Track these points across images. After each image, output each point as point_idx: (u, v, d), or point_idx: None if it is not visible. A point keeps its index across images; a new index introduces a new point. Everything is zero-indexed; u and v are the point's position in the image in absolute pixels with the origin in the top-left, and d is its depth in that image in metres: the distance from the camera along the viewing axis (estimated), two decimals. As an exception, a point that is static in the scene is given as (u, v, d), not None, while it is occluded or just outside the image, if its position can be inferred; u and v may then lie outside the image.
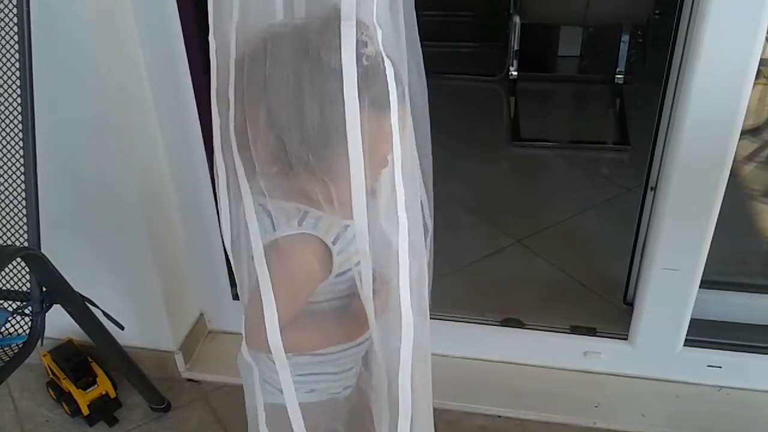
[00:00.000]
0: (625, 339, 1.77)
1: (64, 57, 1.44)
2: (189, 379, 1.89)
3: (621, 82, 3.02)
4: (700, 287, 1.64)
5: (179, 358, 1.86)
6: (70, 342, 1.83)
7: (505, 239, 2.27)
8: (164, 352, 1.86)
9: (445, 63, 3.12)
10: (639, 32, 3.07)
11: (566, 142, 2.78)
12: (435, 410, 1.03)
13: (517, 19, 2.93)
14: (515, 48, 3.01)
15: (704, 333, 1.72)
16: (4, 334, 1.45)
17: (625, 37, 2.96)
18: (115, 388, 1.80)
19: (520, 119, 2.89)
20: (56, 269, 1.39)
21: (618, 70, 3.01)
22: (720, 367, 1.74)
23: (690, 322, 1.69)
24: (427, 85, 0.94)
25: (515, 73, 3.07)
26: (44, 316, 1.43)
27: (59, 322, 1.50)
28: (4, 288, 1.46)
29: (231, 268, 1.90)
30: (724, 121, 1.43)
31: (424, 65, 0.93)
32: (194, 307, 1.95)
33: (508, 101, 3.04)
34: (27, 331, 1.44)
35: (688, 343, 1.72)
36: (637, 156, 2.60)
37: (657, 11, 2.81)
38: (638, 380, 1.79)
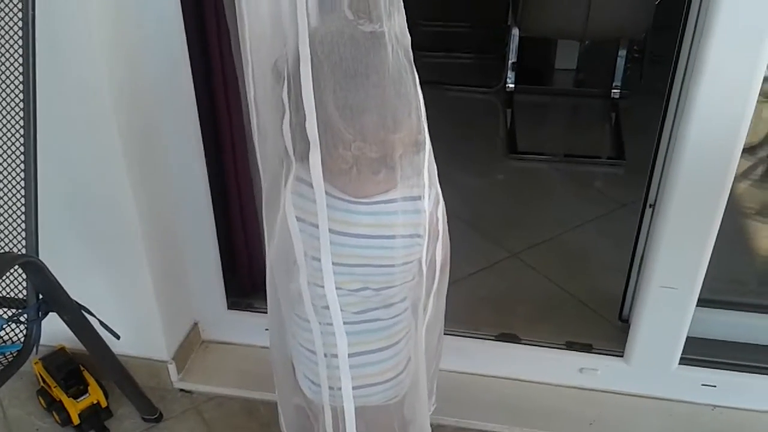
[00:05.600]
0: (621, 356, 1.77)
1: (66, 61, 1.44)
2: (182, 390, 1.88)
3: (617, 96, 3.04)
4: (696, 305, 1.64)
5: (172, 368, 1.85)
6: (62, 349, 1.81)
7: (500, 252, 2.27)
8: (157, 362, 1.84)
9: (442, 74, 3.13)
10: (635, 47, 3.08)
11: (562, 156, 2.79)
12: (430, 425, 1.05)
13: (515, 32, 2.94)
14: (512, 60, 3.02)
15: (700, 351, 1.73)
16: (-1, 342, 1.43)
17: (622, 52, 2.98)
18: (106, 397, 1.78)
19: (517, 132, 2.89)
20: (54, 277, 1.38)
21: (614, 84, 3.03)
22: (715, 386, 1.74)
23: (685, 340, 1.69)
24: (424, 96, 0.98)
25: (512, 85, 3.08)
26: (40, 324, 1.42)
27: (51, 329, 1.48)
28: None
29: (226, 277, 1.91)
30: (727, 140, 1.43)
31: (422, 76, 0.96)
32: (188, 316, 1.94)
33: (504, 113, 3.04)
34: (22, 339, 1.43)
35: (684, 361, 1.72)
36: (633, 171, 2.63)
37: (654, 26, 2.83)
38: (633, 398, 1.79)
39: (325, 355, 1.04)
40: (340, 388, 1.03)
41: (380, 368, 1.09)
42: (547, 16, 2.71)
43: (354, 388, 1.04)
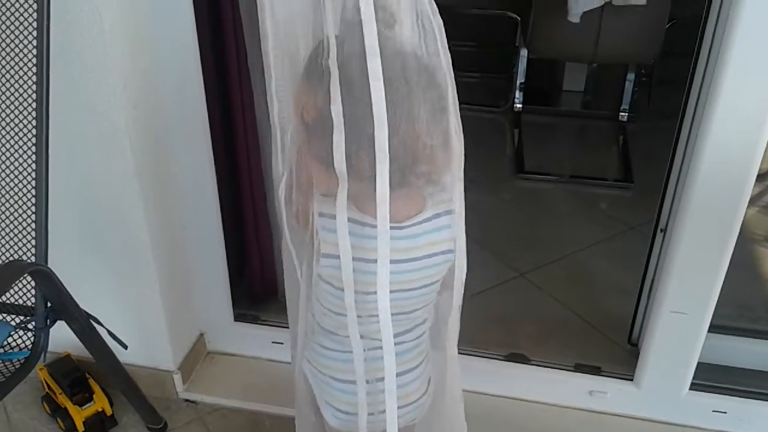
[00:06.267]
0: (631, 380, 1.76)
1: (80, 73, 1.43)
2: (186, 400, 1.86)
3: (625, 119, 3.05)
4: (707, 331, 1.63)
5: (178, 378, 1.84)
6: (68, 357, 1.80)
7: (508, 272, 2.26)
8: (163, 372, 1.83)
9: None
10: (643, 71, 3.10)
11: (569, 177, 2.79)
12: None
13: (523, 53, 2.95)
14: (521, 81, 3.03)
15: (711, 377, 1.72)
16: (6, 349, 1.42)
17: (630, 76, 2.99)
18: (111, 405, 1.77)
19: (524, 152, 2.90)
20: (63, 286, 1.37)
21: (622, 107, 3.04)
22: (725, 412, 1.73)
23: (696, 365, 1.69)
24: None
25: (520, 106, 3.09)
26: (48, 331, 1.41)
27: (57, 336, 1.47)
28: (8, 302, 1.43)
29: (233, 289, 1.91)
30: (741, 166, 1.43)
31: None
32: (195, 327, 1.93)
33: (512, 133, 3.05)
34: (29, 347, 1.42)
35: (695, 386, 1.71)
36: (641, 193, 2.64)
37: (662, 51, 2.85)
38: (642, 422, 1.78)
39: (367, 381, 1.01)
40: (382, 412, 1.00)
41: (405, 391, 1.08)
42: (557, 38, 2.72)
43: (375, 413, 1.03)
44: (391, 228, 0.90)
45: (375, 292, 0.92)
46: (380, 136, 0.85)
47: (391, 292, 0.93)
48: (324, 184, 0.94)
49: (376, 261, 0.91)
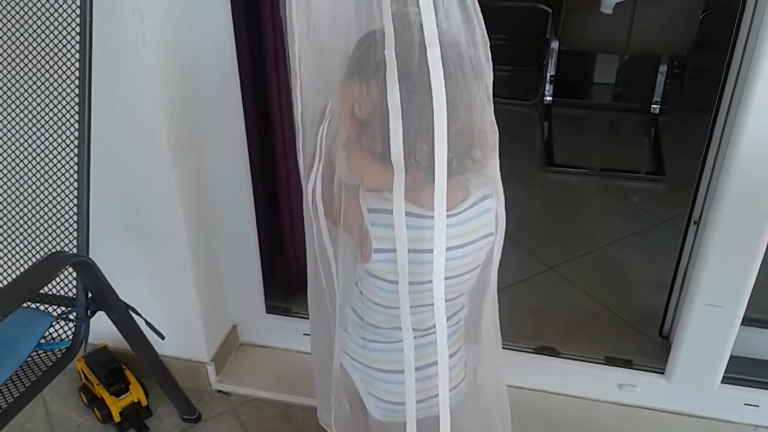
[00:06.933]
0: (662, 373, 1.76)
1: (119, 67, 1.46)
2: (219, 391, 1.89)
3: (657, 111, 3.02)
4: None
5: (211, 370, 1.87)
6: (104, 348, 1.84)
7: (538, 265, 2.26)
8: (197, 363, 1.86)
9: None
10: (675, 63, 3.07)
11: (600, 170, 2.78)
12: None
13: (554, 45, 2.94)
14: (551, 73, 3.02)
15: (742, 371, 1.71)
16: (48, 339, 1.46)
17: (662, 68, 2.97)
18: (146, 396, 1.80)
19: (554, 144, 2.89)
20: (104, 277, 1.40)
21: (654, 99, 3.01)
22: (757, 405, 1.72)
23: (728, 358, 1.68)
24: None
25: (550, 98, 3.08)
26: (89, 322, 1.45)
27: (95, 328, 1.50)
28: (50, 293, 1.47)
29: (265, 281, 1.93)
30: (776, 157, 1.42)
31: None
32: (228, 319, 1.96)
33: (542, 126, 3.04)
34: (70, 337, 1.45)
35: (726, 380, 1.70)
36: (672, 187, 2.62)
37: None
38: (673, 415, 1.77)
39: (416, 369, 1.03)
40: (430, 398, 1.02)
41: (449, 375, 1.09)
42: (589, 30, 2.70)
43: (422, 400, 1.04)
44: (447, 216, 0.92)
45: (429, 281, 0.94)
46: (440, 125, 0.87)
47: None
48: (375, 179, 0.96)
49: (430, 251, 0.93)
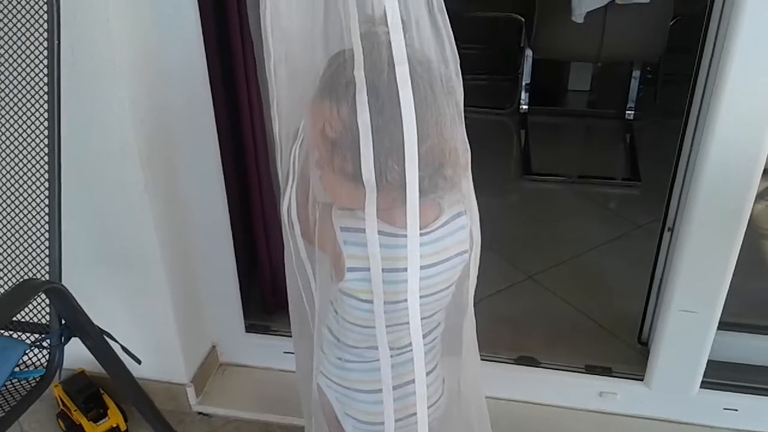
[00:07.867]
0: (641, 380, 1.76)
1: (89, 90, 1.46)
2: (200, 413, 1.88)
3: (631, 117, 3.05)
4: (717, 329, 1.63)
5: (191, 391, 1.85)
6: (82, 373, 1.82)
7: (517, 274, 2.26)
8: (176, 385, 1.85)
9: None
10: (649, 68, 3.09)
11: (576, 177, 2.79)
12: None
13: (528, 53, 2.96)
14: (526, 81, 3.04)
15: (721, 375, 1.72)
16: (21, 367, 1.44)
17: (636, 73, 2.99)
18: (125, 420, 1.78)
19: (531, 152, 2.90)
20: (77, 303, 1.38)
21: (628, 105, 3.03)
22: (736, 410, 1.72)
23: (707, 363, 1.68)
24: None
25: (526, 107, 3.09)
26: (63, 349, 1.42)
27: (71, 353, 1.48)
28: (22, 320, 1.45)
29: (244, 300, 1.91)
30: (746, 162, 1.43)
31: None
32: (207, 339, 1.94)
33: (518, 134, 3.05)
34: (44, 365, 1.43)
35: (705, 385, 1.71)
36: (648, 192, 2.63)
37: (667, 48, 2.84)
38: (654, 422, 1.78)
39: (394, 388, 1.03)
40: (408, 416, 1.02)
41: (427, 393, 1.09)
42: (561, 39, 2.72)
43: (400, 419, 1.04)
44: (419, 234, 0.92)
45: (404, 300, 0.94)
46: (410, 144, 0.87)
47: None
48: (347, 198, 0.96)
49: (404, 269, 0.93)
